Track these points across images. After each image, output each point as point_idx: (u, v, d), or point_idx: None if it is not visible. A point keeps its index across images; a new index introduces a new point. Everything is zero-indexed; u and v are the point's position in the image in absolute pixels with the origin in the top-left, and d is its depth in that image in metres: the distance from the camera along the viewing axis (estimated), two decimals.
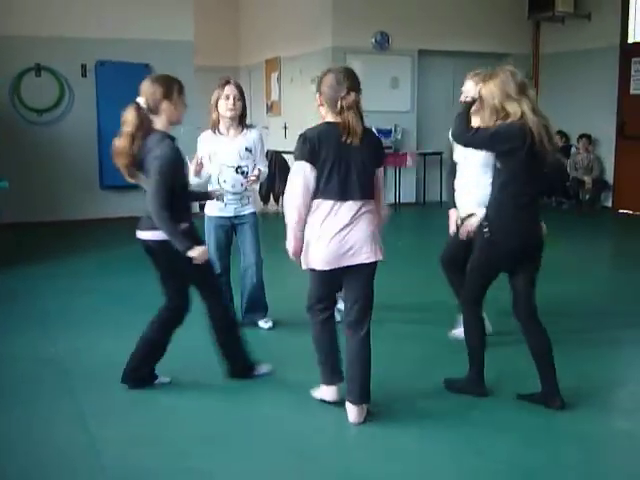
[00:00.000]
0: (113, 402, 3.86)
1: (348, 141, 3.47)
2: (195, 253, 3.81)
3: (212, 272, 4.25)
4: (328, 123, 3.55)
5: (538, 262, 3.81)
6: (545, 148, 3.60)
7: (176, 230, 3.82)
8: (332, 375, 3.74)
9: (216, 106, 4.82)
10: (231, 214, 4.95)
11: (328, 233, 3.50)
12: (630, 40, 10.82)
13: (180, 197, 3.88)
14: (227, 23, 14.44)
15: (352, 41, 11.03)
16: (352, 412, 3.59)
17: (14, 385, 3.91)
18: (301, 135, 3.54)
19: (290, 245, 3.60)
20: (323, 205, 3.52)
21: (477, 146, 3.86)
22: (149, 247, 4.07)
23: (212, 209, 4.99)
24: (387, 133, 11.12)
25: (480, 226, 3.83)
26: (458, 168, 4.76)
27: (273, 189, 11.11)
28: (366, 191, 3.55)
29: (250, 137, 4.94)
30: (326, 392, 3.77)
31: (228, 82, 4.81)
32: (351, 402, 3.59)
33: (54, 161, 9.59)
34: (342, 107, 3.47)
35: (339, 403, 3.70)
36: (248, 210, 4.99)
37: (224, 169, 4.88)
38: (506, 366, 4.30)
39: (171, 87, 3.89)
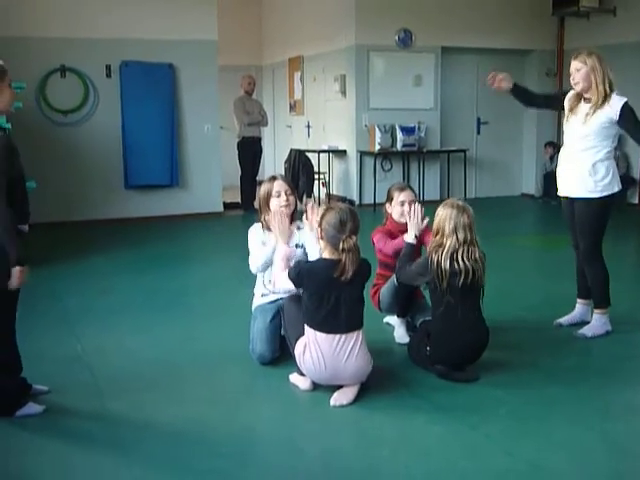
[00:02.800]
0: (138, 401, 3.88)
1: (341, 278, 3.71)
2: (17, 274, 3.40)
3: (15, 306, 3.66)
4: (325, 260, 3.81)
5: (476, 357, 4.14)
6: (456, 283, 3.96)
7: (13, 231, 3.43)
8: None
9: (266, 203, 4.44)
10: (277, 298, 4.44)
11: (317, 361, 3.75)
12: None
13: (16, 193, 3.49)
14: (250, 22, 14.46)
15: (375, 39, 11.00)
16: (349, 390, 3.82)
17: (42, 383, 3.92)
18: (295, 266, 3.87)
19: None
20: (312, 334, 3.77)
21: (408, 280, 4.28)
22: None
23: (258, 301, 4.58)
24: (410, 130, 11.08)
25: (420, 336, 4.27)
26: (564, 138, 4.98)
27: (297, 186, 11.12)
28: (354, 322, 3.78)
29: (301, 234, 4.44)
30: (301, 381, 3.97)
31: (275, 178, 4.50)
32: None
33: (79, 161, 9.66)
34: (343, 249, 3.71)
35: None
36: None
37: (269, 271, 4.38)
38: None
39: None
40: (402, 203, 4.70)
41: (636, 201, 10.94)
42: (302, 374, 3.95)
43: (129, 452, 3.34)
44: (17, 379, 3.72)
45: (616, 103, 4.58)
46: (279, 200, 4.38)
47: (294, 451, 3.36)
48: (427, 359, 4.13)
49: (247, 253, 4.49)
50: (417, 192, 10.71)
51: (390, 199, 4.79)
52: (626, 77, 10.27)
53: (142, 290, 6.29)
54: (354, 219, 3.78)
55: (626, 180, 10.43)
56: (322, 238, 3.82)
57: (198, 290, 6.51)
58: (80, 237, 8.79)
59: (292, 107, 13.60)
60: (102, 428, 3.56)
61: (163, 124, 10.02)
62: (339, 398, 3.76)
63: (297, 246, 4.33)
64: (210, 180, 10.45)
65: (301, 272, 3.82)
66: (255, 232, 4.50)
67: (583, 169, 4.69)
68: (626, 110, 4.56)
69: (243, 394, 4.01)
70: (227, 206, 10.84)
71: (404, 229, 4.56)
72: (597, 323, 4.84)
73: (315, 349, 3.77)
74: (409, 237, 4.36)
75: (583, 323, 4.93)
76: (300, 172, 11.33)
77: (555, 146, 11.44)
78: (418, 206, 4.49)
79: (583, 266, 4.87)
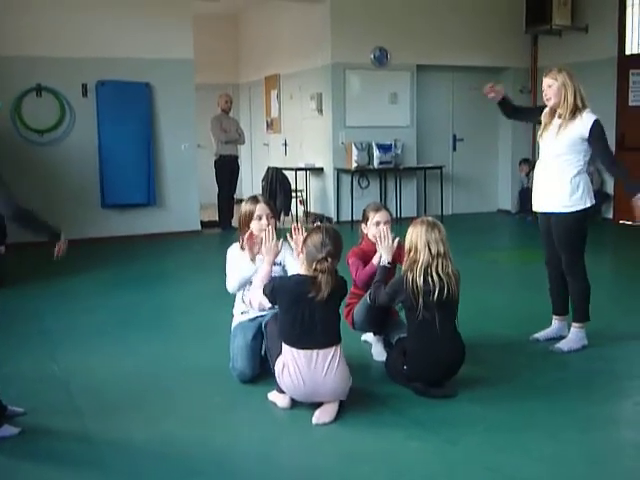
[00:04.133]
0: (119, 420, 3.86)
1: (316, 297, 3.72)
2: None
3: None
4: (299, 276, 3.84)
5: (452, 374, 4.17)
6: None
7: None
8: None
9: (246, 223, 4.45)
10: (256, 314, 4.46)
11: (295, 378, 3.76)
12: (627, 52, 10.88)
13: None
14: (227, 40, 14.52)
15: (351, 57, 11.09)
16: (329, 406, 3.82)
17: (20, 404, 3.89)
18: (269, 282, 3.93)
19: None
20: (288, 351, 3.79)
21: (384, 303, 4.25)
22: None
23: (238, 319, 4.58)
24: (387, 148, 11.15)
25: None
26: (539, 154, 5.06)
27: (275, 204, 11.13)
28: (331, 337, 3.79)
29: (281, 252, 4.37)
30: (280, 398, 3.96)
31: (257, 200, 4.49)
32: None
33: (56, 181, 9.62)
34: (316, 269, 3.74)
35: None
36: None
37: (249, 287, 4.37)
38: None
39: None
40: (377, 223, 4.68)
41: (611, 216, 11.07)
42: (282, 391, 3.94)
43: (109, 472, 3.31)
44: None
45: (587, 119, 4.65)
46: (260, 224, 4.40)
47: (274, 468, 3.36)
48: (404, 376, 4.15)
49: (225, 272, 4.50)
50: (394, 209, 10.85)
51: (366, 219, 4.78)
52: (598, 94, 10.43)
53: (122, 309, 6.25)
54: (335, 243, 3.80)
55: (600, 195, 10.56)
56: (301, 254, 3.87)
57: (178, 309, 6.49)
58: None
59: (269, 125, 13.65)
60: (82, 448, 3.53)
61: (140, 143, 10.01)
62: (321, 416, 3.76)
63: (275, 264, 4.34)
64: (187, 199, 10.44)
65: (274, 287, 3.87)
66: (232, 252, 4.52)
67: (556, 184, 4.76)
68: (596, 128, 4.64)
69: (223, 412, 3.99)
70: (205, 224, 10.83)
71: (376, 251, 4.56)
72: (574, 337, 4.88)
73: (293, 366, 3.77)
74: (383, 261, 4.36)
75: (560, 338, 4.97)
76: (277, 190, 11.36)
77: (530, 163, 11.56)
78: (385, 227, 4.50)
79: (567, 279, 4.91)
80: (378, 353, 4.73)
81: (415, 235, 4.05)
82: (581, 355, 4.81)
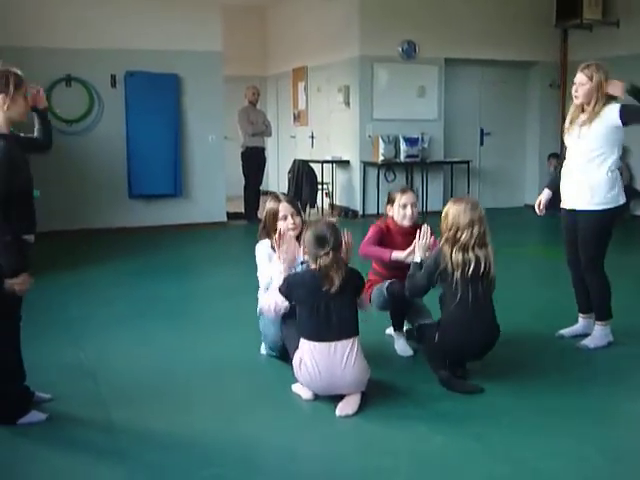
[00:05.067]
0: (142, 410, 3.90)
1: (330, 290, 3.77)
2: (19, 280, 3.43)
3: (19, 313, 3.69)
4: (312, 270, 3.89)
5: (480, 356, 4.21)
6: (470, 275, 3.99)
7: (10, 242, 3.42)
8: None
9: (273, 222, 4.42)
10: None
11: (312, 371, 3.79)
12: None
13: (21, 205, 3.53)
14: (255, 33, 14.53)
15: (379, 50, 11.05)
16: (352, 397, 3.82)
17: (45, 391, 3.93)
18: (284, 280, 3.98)
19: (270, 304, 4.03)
20: (306, 345, 3.82)
21: (419, 289, 4.25)
22: None
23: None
24: (414, 141, 11.11)
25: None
26: (567, 151, 4.93)
27: (300, 196, 11.16)
28: (347, 329, 3.82)
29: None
30: (304, 390, 3.97)
31: (279, 199, 4.49)
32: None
33: (84, 170, 9.70)
34: (319, 267, 3.80)
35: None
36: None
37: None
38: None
39: (7, 80, 3.52)
40: (404, 206, 4.67)
41: None
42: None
43: (133, 461, 3.35)
44: (19, 387, 3.72)
45: (614, 108, 4.58)
46: (286, 223, 4.39)
47: (296, 459, 3.37)
48: (435, 349, 4.14)
49: (250, 263, 4.51)
50: (420, 203, 10.79)
51: (391, 201, 4.76)
52: None
53: (146, 299, 6.30)
54: (335, 235, 3.85)
55: (629, 192, 10.43)
56: (306, 254, 3.94)
57: (202, 300, 6.52)
58: (84, 246, 8.81)
59: (296, 117, 13.64)
60: (105, 437, 3.57)
61: (167, 134, 10.06)
62: (344, 408, 3.76)
63: (302, 263, 4.29)
64: (214, 190, 10.48)
65: (289, 283, 3.93)
66: (262, 249, 4.50)
67: (588, 181, 4.69)
68: (625, 107, 4.56)
69: (246, 404, 4.01)
70: (231, 216, 10.87)
71: (404, 232, 4.59)
72: (599, 334, 4.84)
73: (310, 359, 3.79)
74: (416, 258, 4.32)
75: (585, 335, 4.94)
76: (304, 182, 11.37)
77: (558, 157, 11.45)
78: (428, 229, 4.41)
79: (585, 278, 4.86)
80: (402, 349, 4.72)
81: (458, 213, 4.04)
82: (607, 352, 4.77)
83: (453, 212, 4.06)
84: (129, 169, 9.93)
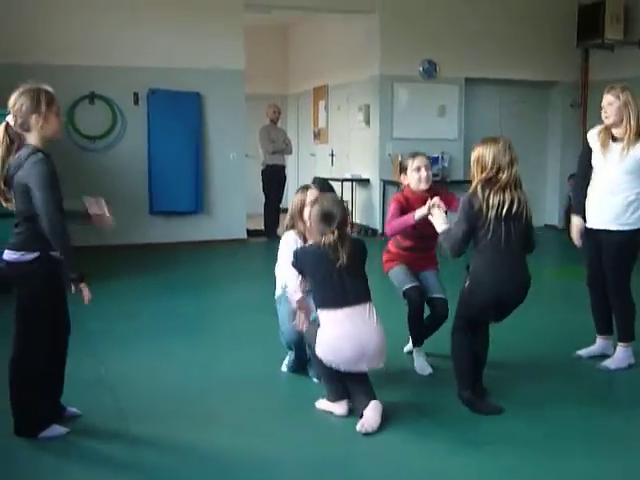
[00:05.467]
0: (163, 424, 3.91)
1: (337, 263, 3.83)
2: (86, 288, 3.66)
3: (67, 318, 3.89)
4: (318, 244, 3.91)
5: (509, 312, 4.13)
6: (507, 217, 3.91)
7: (72, 249, 3.62)
8: (343, 391, 3.97)
9: (300, 213, 4.48)
10: None
11: (336, 341, 3.82)
12: None
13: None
14: (276, 52, 14.64)
15: (399, 69, 11.08)
16: (373, 404, 3.82)
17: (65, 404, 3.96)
18: (295, 252, 4.02)
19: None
20: (325, 314, 3.87)
21: (456, 245, 4.02)
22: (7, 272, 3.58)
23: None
24: (434, 160, 11.09)
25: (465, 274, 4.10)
26: (593, 173, 4.87)
27: None
28: (362, 294, 3.90)
29: None
30: (336, 407, 3.97)
31: (308, 187, 4.57)
32: (370, 400, 3.83)
33: (105, 186, 9.71)
34: (324, 244, 3.85)
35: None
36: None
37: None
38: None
39: (38, 99, 3.53)
40: (418, 169, 4.66)
41: None
42: (332, 399, 3.97)
43: (151, 476, 3.37)
44: (51, 402, 3.76)
45: None
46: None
47: (316, 476, 3.37)
48: (465, 305, 4.06)
49: (270, 281, 4.53)
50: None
51: (404, 169, 4.74)
52: None
53: (165, 315, 6.33)
54: (341, 211, 3.91)
55: None
56: (310, 231, 4.03)
57: (222, 316, 6.54)
58: (104, 261, 8.86)
59: (316, 135, 13.70)
60: (125, 452, 3.59)
61: (189, 151, 10.13)
62: (366, 424, 3.74)
63: None
64: (234, 207, 10.52)
65: (298, 256, 3.99)
66: (289, 241, 4.46)
67: (614, 202, 4.67)
68: None
69: (267, 419, 4.02)
70: (251, 233, 10.90)
71: (422, 199, 4.48)
72: (620, 356, 4.81)
73: (333, 329, 3.84)
74: (439, 228, 4.14)
75: (603, 356, 4.91)
76: None
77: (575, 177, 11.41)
78: (437, 199, 4.31)
79: (609, 298, 4.83)
80: (421, 367, 4.71)
81: (496, 152, 3.92)
82: (627, 374, 4.74)
83: (493, 151, 3.92)
84: (150, 185, 10.00)
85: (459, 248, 4.02)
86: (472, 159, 4.02)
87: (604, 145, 4.75)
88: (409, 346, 4.96)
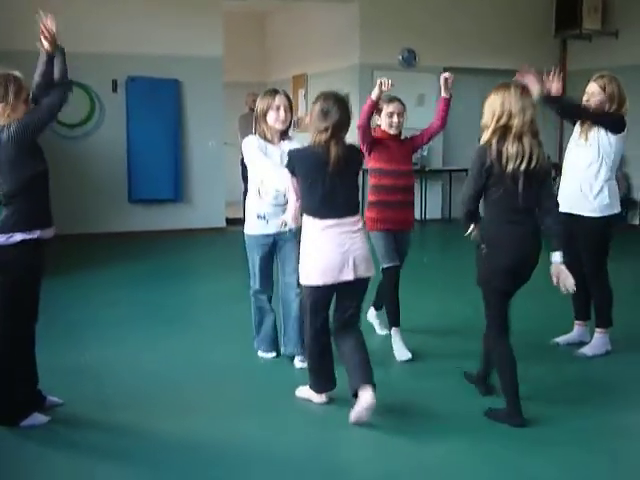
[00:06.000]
0: (145, 412, 3.92)
1: (329, 167, 3.68)
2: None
3: (34, 316, 3.80)
4: (313, 147, 3.77)
5: (530, 275, 3.88)
6: (523, 170, 3.66)
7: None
8: (326, 383, 3.96)
9: (264, 116, 4.50)
10: (273, 231, 4.51)
11: (322, 250, 3.71)
12: None
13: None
14: (255, 39, 14.57)
15: (379, 58, 11.09)
16: (368, 394, 3.65)
17: (48, 394, 3.95)
18: (288, 154, 3.85)
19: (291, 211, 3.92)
20: (311, 222, 3.75)
21: (474, 201, 3.89)
22: None
23: (254, 227, 4.63)
24: None
25: (478, 243, 3.89)
26: (565, 158, 5.00)
27: None
28: (352, 206, 3.82)
29: (292, 144, 4.53)
30: (316, 396, 3.98)
31: (277, 91, 4.56)
32: (366, 384, 3.67)
33: (84, 174, 9.72)
34: (316, 143, 3.72)
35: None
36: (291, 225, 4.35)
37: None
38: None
39: (6, 87, 3.54)
40: (391, 114, 4.75)
41: (637, 222, 11.00)
42: (315, 389, 3.96)
43: (134, 462, 3.39)
44: (28, 390, 3.75)
45: None
46: (278, 114, 4.45)
47: (295, 462, 3.39)
48: (485, 277, 3.83)
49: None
50: (419, 210, 10.84)
51: (379, 111, 4.82)
52: (628, 99, 10.36)
53: (146, 303, 6.33)
54: (340, 111, 3.75)
55: (627, 201, 10.49)
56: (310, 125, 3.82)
57: (202, 304, 6.55)
58: (84, 250, 8.82)
59: (296, 124, 13.65)
60: (107, 439, 3.61)
61: (168, 139, 10.10)
62: (358, 414, 3.65)
63: None
64: (213, 196, 10.50)
65: (292, 157, 3.83)
66: (251, 141, 4.53)
67: (584, 187, 4.73)
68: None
69: (248, 406, 4.05)
70: (230, 222, 10.89)
71: (391, 138, 4.79)
72: (598, 342, 4.87)
73: (319, 237, 3.74)
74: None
75: (581, 343, 4.97)
76: None
77: (556, 166, 11.49)
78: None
79: (588, 286, 4.88)
80: (400, 353, 4.74)
81: (508, 100, 3.69)
82: (605, 360, 4.80)
83: (504, 97, 3.71)
84: (129, 174, 9.96)
85: (470, 204, 3.87)
86: (484, 108, 3.85)
87: (583, 128, 4.79)
88: (380, 327, 5.09)
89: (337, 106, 3.75)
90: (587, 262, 4.81)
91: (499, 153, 3.67)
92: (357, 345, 3.83)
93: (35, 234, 3.58)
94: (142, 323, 5.69)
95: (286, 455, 3.47)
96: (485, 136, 3.80)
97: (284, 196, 4.35)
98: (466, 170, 11.79)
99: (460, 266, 5.41)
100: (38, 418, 3.70)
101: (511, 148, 3.66)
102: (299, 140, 4.57)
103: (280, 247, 4.57)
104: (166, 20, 9.92)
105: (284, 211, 4.21)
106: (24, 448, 3.50)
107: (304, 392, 4.05)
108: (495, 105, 3.75)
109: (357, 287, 3.82)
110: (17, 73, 3.62)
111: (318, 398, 3.97)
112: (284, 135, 4.57)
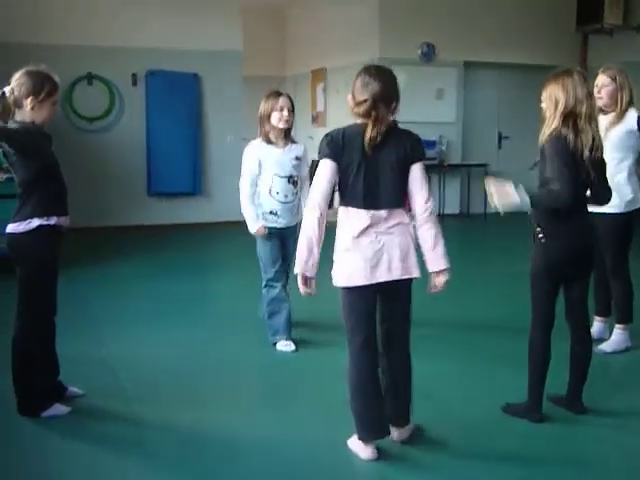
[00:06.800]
0: (164, 404, 3.95)
1: (370, 145, 3.18)
2: None
3: (53, 308, 3.83)
4: (356, 125, 3.28)
5: (592, 266, 3.82)
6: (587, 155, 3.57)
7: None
8: (372, 428, 3.32)
9: (268, 117, 4.68)
10: (283, 226, 4.83)
11: (358, 245, 3.22)
12: None
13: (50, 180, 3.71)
14: (274, 33, 14.57)
15: (398, 52, 11.06)
16: (400, 431, 3.42)
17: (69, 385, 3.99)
18: (326, 135, 3.30)
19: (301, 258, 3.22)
20: (349, 213, 3.27)
21: (577, 185, 3.65)
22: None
23: (265, 222, 4.87)
24: (432, 144, 11.12)
25: (534, 232, 3.83)
26: None
27: None
28: (394, 199, 3.24)
29: (299, 148, 4.90)
30: (362, 449, 3.33)
31: (280, 94, 4.71)
32: (398, 425, 3.40)
33: (104, 168, 9.79)
34: (356, 113, 3.28)
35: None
36: (299, 219, 4.56)
37: (276, 180, 4.78)
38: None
39: (42, 85, 3.57)
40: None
41: None
42: (363, 439, 3.31)
43: (152, 454, 3.41)
44: (49, 381, 3.80)
45: (632, 115, 4.66)
46: (282, 114, 4.62)
47: (315, 457, 3.39)
48: (540, 266, 3.78)
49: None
50: (437, 206, 10.81)
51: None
52: None
53: (165, 296, 6.37)
54: (382, 81, 3.23)
55: None
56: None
57: (221, 297, 6.59)
58: (103, 243, 8.89)
59: (314, 119, 13.67)
60: (128, 430, 3.63)
61: (187, 133, 10.15)
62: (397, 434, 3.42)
63: (297, 159, 4.75)
64: (232, 189, 10.42)
65: (332, 136, 3.28)
66: (252, 149, 4.78)
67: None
68: None
69: (268, 400, 4.07)
70: None
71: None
72: (617, 339, 4.85)
73: (357, 227, 3.22)
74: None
75: (600, 340, 4.94)
76: None
77: None
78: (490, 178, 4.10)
79: (608, 281, 4.86)
80: None
81: (572, 86, 3.56)
82: (624, 356, 4.78)
83: (569, 84, 3.57)
84: (149, 167, 10.03)
85: (572, 189, 3.59)
86: (543, 97, 3.69)
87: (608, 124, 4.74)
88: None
89: (379, 77, 3.23)
90: (609, 257, 4.79)
91: (574, 140, 3.56)
92: (396, 373, 3.36)
93: (52, 220, 3.64)
94: (161, 315, 5.73)
95: (304, 452, 3.45)
96: (553, 124, 3.63)
97: (293, 194, 4.77)
98: (485, 165, 11.81)
99: (477, 260, 5.39)
100: (59, 409, 3.74)
101: (584, 135, 3.56)
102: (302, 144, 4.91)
103: (289, 240, 4.82)
104: (185, 14, 9.96)
105: (292, 207, 4.73)
106: (45, 438, 3.53)
107: (353, 444, 3.39)
108: (557, 93, 3.60)
109: (395, 291, 3.27)
110: (56, 77, 3.68)
111: (364, 453, 3.30)
112: (287, 136, 4.76)
